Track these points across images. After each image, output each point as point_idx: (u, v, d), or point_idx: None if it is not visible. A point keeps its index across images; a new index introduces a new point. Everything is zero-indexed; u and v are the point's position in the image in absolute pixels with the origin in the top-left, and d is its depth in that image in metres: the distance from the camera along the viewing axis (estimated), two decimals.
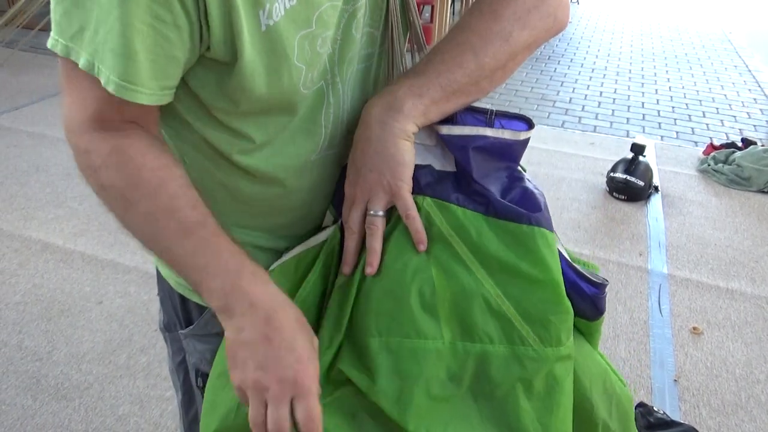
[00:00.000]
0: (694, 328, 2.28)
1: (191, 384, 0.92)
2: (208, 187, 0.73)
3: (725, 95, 5.18)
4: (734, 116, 4.71)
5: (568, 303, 0.71)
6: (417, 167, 0.71)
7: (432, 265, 0.69)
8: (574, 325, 0.77)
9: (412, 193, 0.70)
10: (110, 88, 0.58)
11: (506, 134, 0.72)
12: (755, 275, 2.62)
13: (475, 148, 0.71)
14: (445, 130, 0.72)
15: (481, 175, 0.72)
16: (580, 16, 7.84)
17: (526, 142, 0.74)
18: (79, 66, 0.58)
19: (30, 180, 3.06)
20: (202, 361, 0.88)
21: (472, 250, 0.70)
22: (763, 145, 3.63)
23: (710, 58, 6.27)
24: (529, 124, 0.73)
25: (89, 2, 0.55)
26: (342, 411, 0.70)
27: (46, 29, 0.68)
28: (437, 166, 0.73)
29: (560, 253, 0.74)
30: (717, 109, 4.86)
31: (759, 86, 5.14)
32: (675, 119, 4.60)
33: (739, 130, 4.43)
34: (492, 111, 0.72)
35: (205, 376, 0.88)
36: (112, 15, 0.55)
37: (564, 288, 0.71)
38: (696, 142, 4.14)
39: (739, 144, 3.72)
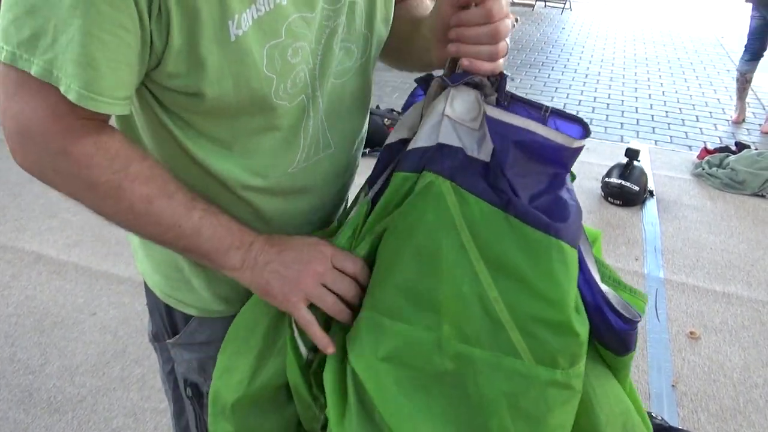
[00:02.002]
0: (691, 333, 2.27)
1: (180, 393, 0.92)
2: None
3: (718, 99, 5.20)
4: (728, 120, 4.74)
5: (576, 327, 0.65)
6: (446, 147, 0.67)
7: (439, 253, 0.65)
8: (601, 356, 0.73)
9: (434, 171, 0.67)
10: (71, 97, 0.58)
11: (559, 138, 0.65)
12: (751, 279, 2.62)
13: (517, 142, 0.66)
14: (494, 113, 0.66)
15: (515, 173, 0.66)
16: (573, 22, 7.88)
17: (578, 150, 0.66)
18: (32, 73, 0.57)
19: (23, 191, 3.04)
20: (189, 371, 0.88)
21: (479, 246, 0.65)
22: (756, 149, 3.65)
23: (703, 62, 6.31)
24: (586, 131, 0.66)
25: (46, 10, 0.55)
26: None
27: None
28: (468, 151, 0.67)
29: (589, 274, 0.69)
30: (710, 113, 4.88)
31: (752, 90, 5.17)
32: (669, 124, 4.62)
33: (733, 133, 4.45)
34: (548, 108, 0.66)
35: (193, 386, 0.88)
36: (73, 25, 0.54)
37: (572, 311, 0.65)
38: (690, 147, 4.16)
39: (733, 148, 3.74)
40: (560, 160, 0.67)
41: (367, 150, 0.98)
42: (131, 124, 0.72)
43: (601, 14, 8.62)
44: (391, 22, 0.80)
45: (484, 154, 0.67)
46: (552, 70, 5.81)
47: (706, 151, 3.74)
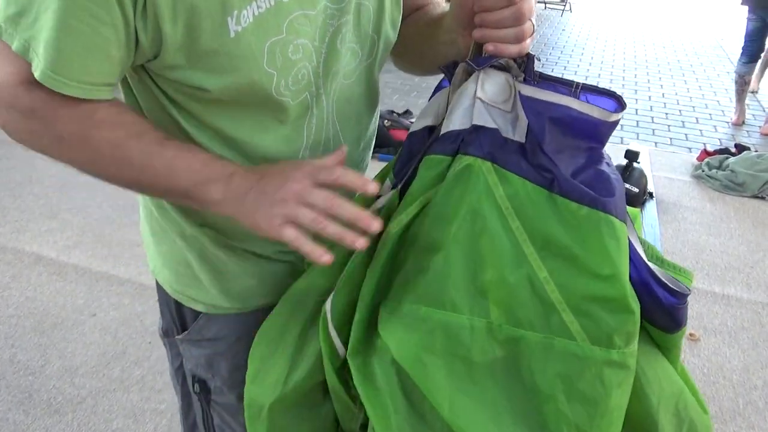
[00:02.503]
0: (691, 335, 2.27)
1: (189, 390, 0.93)
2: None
3: (718, 101, 5.21)
4: (727, 122, 4.74)
5: (632, 304, 0.63)
6: (482, 129, 0.66)
7: (483, 235, 0.63)
8: (650, 336, 0.71)
9: (472, 154, 0.65)
10: (36, 75, 0.61)
11: (595, 112, 0.64)
12: (750, 281, 2.62)
13: (552, 118, 0.65)
14: (528, 91, 0.66)
15: (553, 150, 0.65)
16: (573, 24, 7.89)
17: (615, 123, 0.65)
18: (13, 48, 0.61)
19: (23, 192, 3.05)
20: (197, 367, 0.89)
21: (525, 226, 0.63)
22: (756, 151, 3.65)
23: (703, 64, 6.31)
24: (620, 104, 0.65)
25: None
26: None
27: None
28: (504, 132, 0.66)
29: (634, 250, 0.67)
30: (710, 115, 4.89)
31: (751, 91, 5.17)
32: (669, 126, 4.62)
33: (732, 135, 4.45)
34: (578, 84, 0.65)
35: (201, 382, 0.89)
36: (50, 9, 0.57)
37: (628, 286, 0.63)
38: (690, 148, 4.16)
39: (733, 149, 3.74)
40: (597, 134, 0.66)
41: None
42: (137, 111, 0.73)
43: (601, 16, 8.63)
44: (399, 26, 0.80)
45: (519, 135, 0.66)
46: (552, 71, 5.81)
47: (705, 153, 3.74)
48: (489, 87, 0.67)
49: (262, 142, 0.72)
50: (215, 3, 0.60)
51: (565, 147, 0.66)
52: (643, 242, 0.73)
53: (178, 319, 0.89)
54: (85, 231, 2.73)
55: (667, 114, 4.86)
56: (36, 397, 1.86)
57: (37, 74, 0.61)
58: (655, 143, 4.27)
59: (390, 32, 0.79)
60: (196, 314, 0.86)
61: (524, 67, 0.68)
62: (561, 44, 7.12)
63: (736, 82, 4.55)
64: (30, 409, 1.82)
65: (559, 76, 0.68)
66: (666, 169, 3.69)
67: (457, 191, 0.65)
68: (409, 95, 5.02)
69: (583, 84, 0.65)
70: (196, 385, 0.90)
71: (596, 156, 0.67)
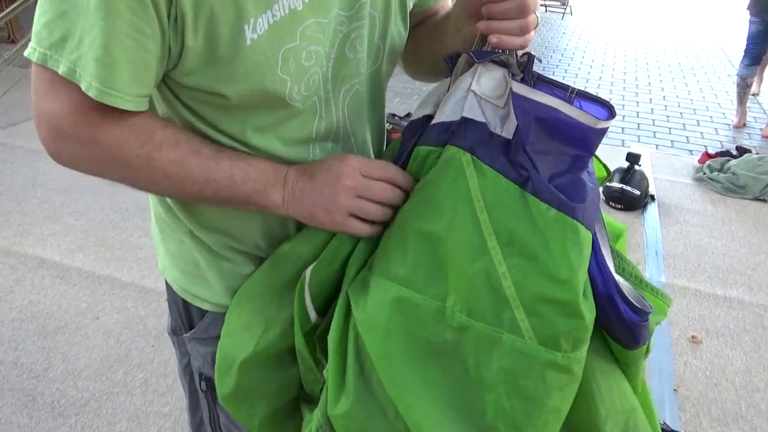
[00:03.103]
0: (693, 337, 2.28)
1: (196, 387, 0.95)
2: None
3: (719, 104, 5.21)
4: (728, 124, 4.74)
5: (584, 311, 0.64)
6: (470, 122, 0.68)
7: (452, 223, 0.65)
8: (610, 351, 0.72)
9: (456, 145, 0.67)
10: (91, 93, 0.62)
11: (582, 117, 0.65)
12: (752, 283, 2.62)
13: (539, 118, 0.66)
14: (519, 88, 0.67)
15: (537, 150, 0.66)
16: (573, 27, 7.90)
17: (602, 132, 0.66)
18: (59, 72, 0.62)
19: (26, 196, 3.06)
20: (204, 365, 0.90)
21: (492, 220, 0.65)
22: (757, 153, 3.65)
23: (704, 67, 6.32)
24: (611, 113, 0.66)
25: (74, 14, 0.60)
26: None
27: None
28: (492, 127, 0.68)
29: (603, 262, 0.68)
30: (711, 117, 4.89)
31: (752, 94, 5.17)
32: (670, 128, 4.63)
33: (734, 138, 4.45)
34: (573, 89, 0.66)
35: (208, 380, 0.91)
36: (96, 26, 0.59)
37: (581, 293, 0.64)
38: (691, 151, 4.16)
39: (734, 152, 3.74)
40: (583, 141, 0.67)
41: None
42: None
43: (601, 19, 8.64)
44: (404, 35, 0.82)
45: (507, 131, 0.67)
46: (553, 74, 5.82)
47: (707, 156, 3.75)
48: (485, 81, 0.69)
49: (270, 145, 0.74)
50: (233, 12, 0.62)
51: (552, 150, 0.67)
52: (622, 259, 0.74)
53: (185, 317, 0.90)
54: (88, 234, 2.74)
55: (668, 116, 4.86)
56: (39, 401, 1.87)
57: (91, 92, 0.62)
58: (657, 146, 4.28)
59: (396, 40, 0.80)
60: (203, 313, 0.87)
61: (524, 66, 0.69)
62: (562, 47, 7.13)
63: (737, 85, 4.55)
64: (33, 413, 1.82)
65: (560, 79, 0.69)
66: (667, 171, 3.69)
67: (436, 179, 0.67)
68: (410, 98, 5.03)
69: (578, 90, 0.66)
70: (203, 383, 0.92)
71: (580, 164, 0.68)
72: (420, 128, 0.74)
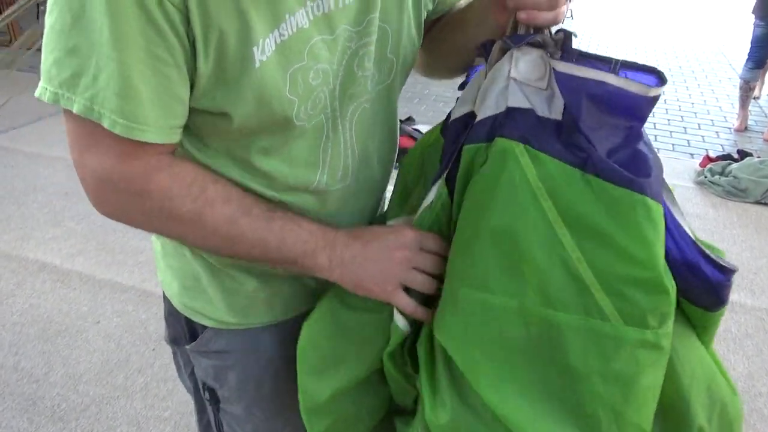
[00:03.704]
0: None
1: (201, 395, 0.94)
2: None
3: (720, 107, 5.21)
4: (729, 128, 4.74)
5: (667, 284, 0.62)
6: (516, 111, 0.66)
7: (517, 217, 0.63)
8: (686, 315, 0.71)
9: (506, 137, 0.65)
10: (117, 130, 0.59)
11: (633, 87, 0.63)
12: (755, 287, 2.62)
13: (590, 95, 0.64)
14: (563, 67, 0.65)
15: (589, 128, 0.64)
16: (574, 30, 7.93)
17: (655, 99, 0.64)
18: (74, 111, 0.59)
19: (27, 200, 3.06)
20: (207, 377, 0.89)
21: (558, 207, 0.63)
22: (759, 157, 3.65)
23: (704, 70, 6.32)
24: (661, 78, 0.64)
25: (86, 48, 0.57)
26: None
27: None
28: (539, 111, 0.66)
29: (679, 227, 0.67)
30: (712, 121, 4.89)
31: (754, 97, 5.17)
32: (671, 131, 4.62)
33: (735, 141, 4.45)
34: (617, 61, 0.64)
35: (210, 390, 0.90)
36: (114, 59, 0.56)
37: (662, 267, 0.62)
38: (692, 154, 4.16)
39: (735, 155, 3.73)
40: (636, 111, 0.65)
41: None
42: None
43: (602, 22, 8.65)
44: (417, 45, 0.80)
45: (555, 112, 0.65)
46: None
47: (708, 159, 3.74)
48: (523, 65, 0.67)
49: (276, 168, 0.72)
50: (242, 33, 0.60)
51: (603, 125, 0.65)
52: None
53: (188, 329, 0.89)
54: (88, 238, 2.73)
55: (669, 120, 4.86)
56: (40, 405, 1.86)
57: (118, 130, 0.59)
58: (658, 149, 4.26)
59: (409, 51, 0.78)
60: (204, 326, 0.86)
61: (561, 44, 0.67)
62: None
63: (740, 88, 4.54)
64: (34, 417, 1.82)
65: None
66: (668, 175, 3.60)
67: (491, 175, 0.65)
68: (411, 102, 5.03)
69: (623, 61, 0.64)
70: (206, 393, 0.91)
71: (635, 135, 0.66)
72: (464, 126, 0.72)
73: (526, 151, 0.64)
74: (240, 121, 0.65)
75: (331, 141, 0.74)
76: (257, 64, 0.62)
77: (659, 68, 0.64)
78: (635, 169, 0.63)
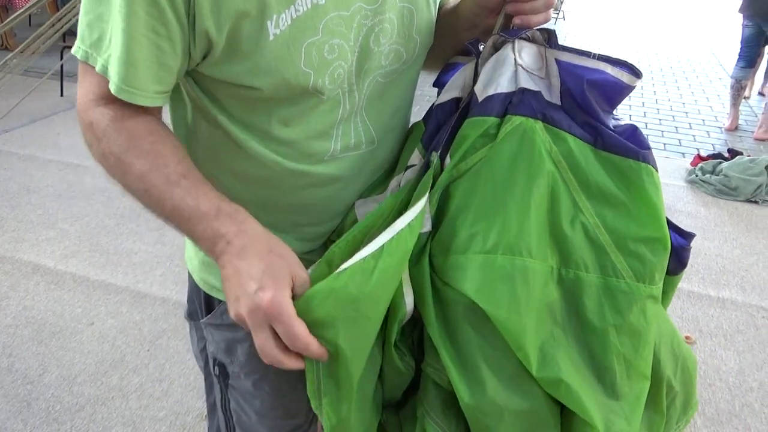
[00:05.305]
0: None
1: (210, 371, 0.97)
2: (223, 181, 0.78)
3: (711, 107, 5.25)
4: (720, 127, 4.77)
5: (669, 241, 0.71)
6: (529, 91, 0.72)
7: (542, 187, 0.70)
8: None
9: (522, 114, 0.71)
10: (112, 89, 0.67)
11: (624, 77, 0.72)
12: (745, 284, 2.64)
13: (591, 81, 0.71)
14: (565, 57, 0.73)
15: (593, 109, 0.72)
16: (566, 32, 7.94)
17: (632, 89, 0.74)
18: (97, 70, 0.68)
19: (21, 202, 3.05)
20: (218, 351, 0.93)
21: (577, 178, 0.71)
22: (749, 155, 3.68)
23: (695, 71, 6.36)
24: (636, 72, 0.73)
25: (106, 16, 0.66)
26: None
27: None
28: (545, 95, 0.73)
29: None
30: (703, 120, 4.92)
31: (744, 97, 5.21)
32: (662, 131, 4.65)
33: (725, 140, 4.48)
34: (596, 54, 0.73)
35: (221, 365, 0.94)
36: (119, 27, 0.64)
37: (666, 227, 0.71)
38: (683, 154, 4.19)
39: (726, 154, 3.77)
40: (618, 98, 0.74)
41: None
42: (182, 114, 0.80)
43: (594, 23, 8.69)
44: (433, 27, 0.84)
45: (555, 98, 0.73)
46: None
47: (699, 158, 3.77)
48: (526, 55, 0.74)
49: (295, 137, 0.76)
50: (256, 8, 0.64)
51: (599, 106, 0.73)
52: None
53: (204, 303, 0.93)
54: (82, 240, 2.73)
55: (660, 120, 4.89)
56: (34, 406, 1.86)
57: (112, 89, 0.67)
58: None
59: (428, 35, 0.82)
60: (220, 300, 0.90)
61: (548, 40, 0.75)
62: None
63: (732, 87, 4.57)
64: (28, 418, 1.82)
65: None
66: (660, 174, 3.69)
67: (511, 150, 0.71)
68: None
69: (599, 54, 0.72)
70: (216, 368, 0.94)
71: (616, 118, 0.75)
72: (450, 111, 0.77)
73: (545, 128, 0.71)
74: (262, 92, 0.70)
75: (347, 113, 0.78)
76: (271, 38, 0.66)
77: (634, 64, 0.73)
78: (638, 142, 0.72)
